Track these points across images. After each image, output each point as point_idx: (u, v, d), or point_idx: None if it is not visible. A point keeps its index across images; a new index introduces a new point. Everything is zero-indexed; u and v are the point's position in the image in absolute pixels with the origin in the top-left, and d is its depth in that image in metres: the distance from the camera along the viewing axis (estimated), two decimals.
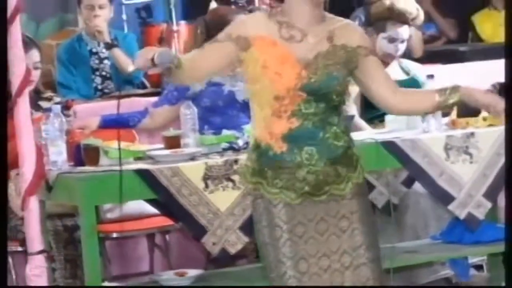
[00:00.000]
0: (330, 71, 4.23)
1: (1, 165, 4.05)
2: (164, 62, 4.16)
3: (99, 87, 7.84)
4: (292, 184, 4.23)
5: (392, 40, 6.90)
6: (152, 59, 4.12)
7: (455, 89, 4.39)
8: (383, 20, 6.88)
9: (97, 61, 7.90)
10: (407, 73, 6.98)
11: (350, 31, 4.37)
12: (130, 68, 4.30)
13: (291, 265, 4.20)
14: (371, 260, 4.27)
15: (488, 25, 9.66)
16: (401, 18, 6.86)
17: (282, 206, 4.22)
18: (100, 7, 7.79)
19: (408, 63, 7.08)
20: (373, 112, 6.70)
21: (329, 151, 4.25)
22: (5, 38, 4.13)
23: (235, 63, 4.29)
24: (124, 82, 7.95)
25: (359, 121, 6.70)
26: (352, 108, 6.73)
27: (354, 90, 6.70)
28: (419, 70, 6.96)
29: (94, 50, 7.95)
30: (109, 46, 7.85)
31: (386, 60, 6.87)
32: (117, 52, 7.82)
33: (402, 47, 6.96)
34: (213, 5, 7.39)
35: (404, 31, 6.89)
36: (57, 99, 6.53)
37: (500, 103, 4.39)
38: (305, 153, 4.22)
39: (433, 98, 4.41)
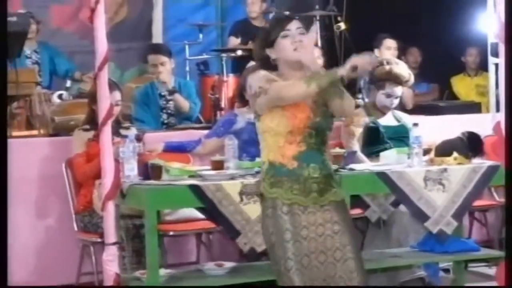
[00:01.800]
0: (323, 112, 4.41)
1: (2, 170, 3.73)
2: None
3: (165, 121, 7.88)
4: (303, 191, 4.34)
5: (388, 96, 6.92)
6: None
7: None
8: (383, 80, 6.88)
9: (164, 102, 7.96)
10: (398, 121, 7.01)
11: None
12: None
13: (296, 260, 4.27)
14: (355, 255, 4.38)
15: (462, 86, 9.70)
16: (397, 80, 6.88)
17: (291, 215, 4.31)
18: (162, 64, 7.86)
19: (399, 113, 7.10)
20: (371, 149, 6.80)
21: (326, 169, 4.43)
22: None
23: None
24: (183, 118, 8.00)
25: (360, 155, 6.73)
26: (355, 145, 6.83)
27: (357, 131, 6.93)
28: (407, 119, 6.97)
29: (162, 93, 7.98)
30: (171, 92, 7.93)
31: (383, 110, 6.99)
32: (177, 96, 7.91)
33: (396, 102, 6.98)
34: (251, 63, 7.48)
35: (398, 90, 6.93)
36: (133, 129, 6.63)
37: (358, 59, 4.29)
38: (310, 169, 4.37)
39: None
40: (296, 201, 4.36)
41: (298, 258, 4.30)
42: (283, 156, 4.38)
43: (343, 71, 4.29)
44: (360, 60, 4.29)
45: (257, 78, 4.42)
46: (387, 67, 6.92)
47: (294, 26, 4.44)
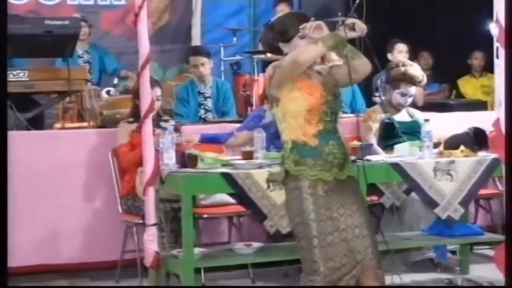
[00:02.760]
0: (334, 92, 4.45)
1: (2, 170, 3.63)
2: None
3: (203, 116, 7.84)
4: (325, 167, 4.33)
5: (403, 94, 6.88)
6: None
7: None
8: (399, 81, 6.84)
9: (202, 99, 7.90)
10: (411, 117, 6.97)
11: (324, 69, 4.53)
12: None
13: (321, 238, 4.26)
14: (369, 232, 4.40)
15: (468, 87, 9.65)
16: (411, 80, 6.83)
17: (315, 197, 4.29)
18: (202, 65, 7.80)
19: (412, 110, 7.05)
20: (386, 143, 6.77)
21: (342, 145, 4.45)
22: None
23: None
24: (219, 113, 7.95)
25: (376, 148, 6.69)
26: (372, 139, 6.81)
27: (374, 126, 6.91)
28: (419, 115, 6.94)
29: (201, 91, 7.93)
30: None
31: (398, 107, 6.94)
32: None
33: (410, 100, 6.94)
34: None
35: (412, 90, 6.89)
36: (172, 122, 6.62)
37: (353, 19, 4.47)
38: (330, 145, 4.36)
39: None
40: (320, 177, 4.34)
41: (323, 236, 4.29)
42: (305, 134, 4.37)
43: (342, 31, 4.37)
44: (356, 20, 4.42)
45: (271, 66, 4.44)
46: (402, 69, 6.87)
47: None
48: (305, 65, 4.34)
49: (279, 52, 4.53)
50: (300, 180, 4.35)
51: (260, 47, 9.37)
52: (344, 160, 4.44)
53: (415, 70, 6.93)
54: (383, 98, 7.20)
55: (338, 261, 4.30)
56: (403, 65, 6.95)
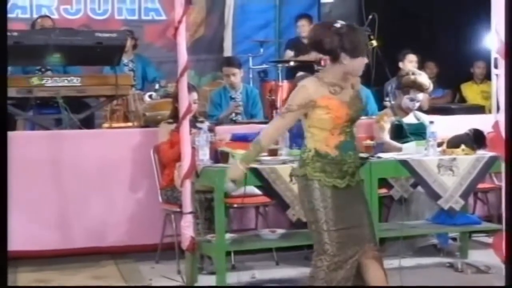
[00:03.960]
0: (359, 106, 4.39)
1: (2, 169, 3.48)
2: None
3: (234, 118, 7.81)
4: (340, 174, 4.32)
5: (412, 100, 6.82)
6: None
7: None
8: (409, 87, 6.79)
9: (233, 103, 7.89)
10: (418, 119, 6.91)
11: (359, 81, 4.47)
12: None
13: (329, 223, 4.28)
14: (370, 222, 4.43)
15: (470, 92, 9.60)
16: (420, 88, 6.79)
17: (331, 190, 4.29)
18: (233, 74, 7.78)
19: (419, 114, 7.00)
20: (396, 142, 6.71)
21: (356, 153, 4.43)
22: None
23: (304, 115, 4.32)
24: (248, 115, 7.91)
25: (391, 143, 6.67)
26: (385, 137, 6.76)
27: (387, 126, 6.87)
28: (425, 118, 6.85)
29: (233, 96, 7.91)
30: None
31: (407, 111, 6.88)
32: None
33: (417, 105, 6.89)
34: (300, 73, 7.43)
35: (420, 96, 6.84)
36: (207, 123, 6.56)
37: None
38: (347, 156, 4.34)
39: None
40: (334, 183, 4.32)
41: (331, 222, 4.29)
42: (328, 145, 4.32)
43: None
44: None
45: (301, 93, 4.34)
46: (412, 77, 6.81)
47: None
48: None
49: (329, 54, 4.33)
50: (313, 182, 4.34)
51: (285, 57, 9.41)
52: (356, 167, 4.43)
53: (424, 78, 6.88)
54: (393, 102, 7.17)
55: (345, 244, 4.31)
56: (413, 73, 6.89)
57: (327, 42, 4.24)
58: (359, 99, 4.41)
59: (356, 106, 4.38)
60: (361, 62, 4.31)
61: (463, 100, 9.60)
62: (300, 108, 4.30)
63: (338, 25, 4.26)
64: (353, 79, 4.42)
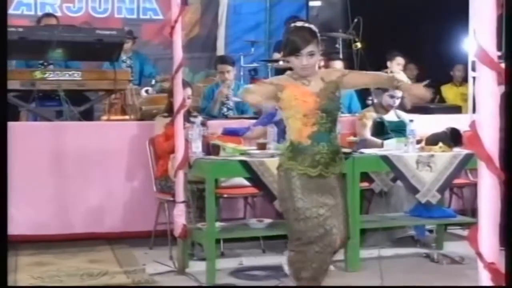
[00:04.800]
0: (330, 97, 4.31)
1: (2, 168, 3.30)
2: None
3: (225, 113, 7.77)
4: (312, 164, 4.27)
5: (392, 97, 6.81)
6: None
7: (400, 82, 4.38)
8: None
9: (225, 99, 7.81)
10: (398, 117, 6.91)
11: (330, 72, 4.46)
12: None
13: (302, 212, 4.22)
14: (343, 212, 4.35)
15: (450, 93, 9.58)
16: None
17: (303, 180, 4.24)
18: (227, 72, 7.73)
19: (399, 112, 6.99)
20: (377, 138, 6.69)
21: (332, 146, 4.32)
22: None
23: (275, 98, 4.26)
24: (238, 111, 7.87)
25: (372, 139, 6.65)
26: (367, 134, 6.75)
27: (369, 123, 6.87)
28: (405, 116, 6.87)
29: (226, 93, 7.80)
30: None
31: (387, 108, 6.87)
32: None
33: (397, 101, 6.86)
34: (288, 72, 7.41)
35: (399, 92, 6.73)
36: (200, 117, 6.47)
37: (427, 93, 4.42)
38: (320, 146, 4.27)
39: (391, 82, 4.43)
40: (306, 172, 4.27)
41: (304, 211, 4.24)
42: (301, 136, 4.28)
43: None
44: None
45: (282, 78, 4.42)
46: (390, 74, 6.78)
47: (306, 50, 4.24)
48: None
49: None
50: (286, 170, 4.31)
51: (274, 57, 9.41)
52: (331, 159, 4.33)
53: (401, 76, 6.83)
54: (375, 101, 7.16)
55: (316, 231, 4.24)
56: (391, 72, 6.91)
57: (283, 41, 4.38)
58: (331, 92, 4.33)
59: (326, 96, 4.30)
60: (297, 61, 4.27)
61: (443, 101, 9.58)
62: (270, 84, 4.33)
63: (291, 25, 4.33)
64: (322, 72, 4.43)
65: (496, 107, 2.79)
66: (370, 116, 6.88)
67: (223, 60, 8.17)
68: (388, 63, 8.71)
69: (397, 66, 8.60)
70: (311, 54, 4.25)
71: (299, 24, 4.33)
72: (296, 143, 4.30)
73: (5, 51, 3.53)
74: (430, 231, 6.72)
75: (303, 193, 4.25)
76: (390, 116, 6.92)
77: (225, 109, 7.87)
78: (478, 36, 2.79)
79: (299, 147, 4.28)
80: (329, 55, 8.44)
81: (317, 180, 4.29)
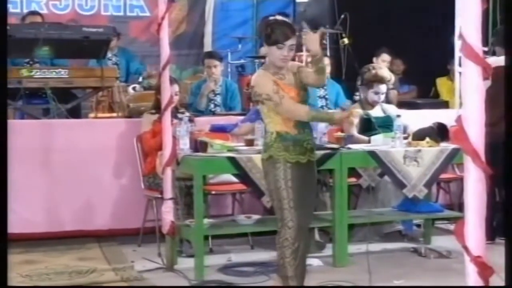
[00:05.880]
0: (304, 88, 4.55)
1: (2, 168, 3.30)
2: None
3: (212, 109, 7.75)
4: (302, 151, 4.48)
5: (376, 93, 6.85)
6: None
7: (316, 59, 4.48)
8: (372, 81, 6.83)
9: (212, 95, 7.80)
10: (384, 112, 6.92)
11: (292, 65, 4.57)
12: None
13: (294, 200, 4.42)
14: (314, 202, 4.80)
15: (444, 87, 9.52)
16: (382, 80, 6.82)
17: (292, 170, 4.43)
18: (215, 66, 7.73)
19: (386, 106, 7.02)
20: (364, 134, 6.69)
21: (311, 132, 4.65)
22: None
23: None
24: (226, 107, 7.87)
25: (359, 136, 6.65)
26: (354, 131, 6.74)
27: (355, 120, 6.88)
28: (392, 111, 6.88)
29: (212, 88, 7.77)
30: None
31: (373, 104, 6.89)
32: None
33: (382, 97, 6.90)
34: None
35: (383, 87, 6.85)
36: (187, 114, 6.57)
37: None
38: (305, 134, 4.52)
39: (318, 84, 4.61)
40: (297, 160, 4.45)
41: (296, 198, 4.41)
42: (287, 126, 4.47)
43: (338, 116, 4.68)
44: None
45: (263, 83, 4.48)
46: (373, 71, 6.86)
47: (289, 42, 4.43)
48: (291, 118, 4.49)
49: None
50: (277, 161, 4.46)
51: (261, 53, 9.40)
52: (313, 144, 4.62)
53: (384, 71, 6.96)
54: (362, 96, 7.17)
55: (303, 219, 4.45)
56: (374, 68, 6.94)
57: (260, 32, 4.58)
58: (301, 82, 4.53)
59: (302, 87, 4.54)
60: (279, 52, 4.42)
61: (437, 94, 9.51)
62: (276, 87, 4.44)
63: (272, 19, 4.49)
64: (287, 64, 4.53)
65: (481, 102, 2.80)
66: (357, 113, 6.89)
67: (210, 55, 8.17)
68: (374, 59, 8.73)
69: (382, 63, 8.63)
70: (291, 49, 4.45)
71: (279, 18, 4.51)
72: (284, 133, 4.46)
73: (5, 52, 3.53)
74: (418, 225, 6.74)
75: (297, 183, 4.42)
76: (376, 112, 6.93)
77: (212, 105, 7.85)
78: (464, 31, 2.80)
79: (287, 137, 4.46)
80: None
81: (306, 167, 4.50)
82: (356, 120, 6.84)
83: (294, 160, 4.44)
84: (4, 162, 3.29)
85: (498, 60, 5.85)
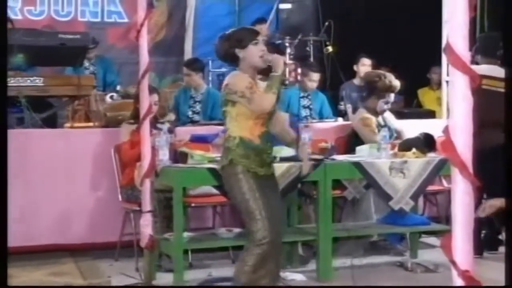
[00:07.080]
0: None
1: (2, 171, 3.39)
2: None
3: (190, 116, 7.78)
4: (260, 163, 4.52)
5: (387, 102, 6.86)
6: None
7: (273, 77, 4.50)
8: (385, 91, 6.81)
9: (192, 102, 7.84)
10: (384, 122, 6.91)
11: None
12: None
13: (257, 212, 4.42)
14: (281, 216, 4.80)
15: (427, 97, 9.56)
16: (394, 90, 6.86)
17: (255, 178, 4.48)
18: (196, 73, 7.79)
19: (386, 115, 6.99)
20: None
21: (272, 146, 4.70)
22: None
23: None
24: (207, 117, 7.86)
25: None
26: (377, 138, 6.69)
27: (375, 128, 6.80)
28: (390, 119, 6.96)
29: (192, 95, 7.87)
30: None
31: (381, 114, 6.89)
32: None
33: (389, 106, 6.95)
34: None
35: (393, 97, 6.91)
36: (166, 123, 6.56)
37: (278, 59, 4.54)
38: (268, 146, 4.59)
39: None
40: (255, 170, 4.49)
41: (259, 211, 4.43)
42: (252, 134, 4.51)
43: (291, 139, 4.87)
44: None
45: (239, 80, 4.52)
46: (387, 82, 6.82)
47: (260, 37, 4.59)
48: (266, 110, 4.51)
49: (233, 58, 4.63)
50: (237, 167, 4.47)
51: None
52: (272, 158, 4.70)
53: (396, 81, 6.91)
54: (348, 105, 7.15)
55: (272, 230, 4.43)
56: (385, 77, 6.87)
57: (221, 51, 4.70)
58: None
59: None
60: (256, 48, 4.52)
61: (420, 105, 9.56)
62: (251, 85, 4.51)
63: (224, 34, 4.65)
64: (265, 62, 4.57)
65: (469, 111, 2.81)
66: (372, 121, 6.84)
67: (192, 62, 8.20)
68: (355, 67, 8.73)
69: (362, 68, 8.62)
70: (263, 43, 4.59)
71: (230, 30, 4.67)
72: (247, 141, 4.51)
73: (5, 53, 3.57)
74: (403, 237, 6.75)
75: (253, 192, 4.45)
76: (379, 121, 6.95)
77: (190, 112, 7.86)
78: (451, 39, 2.81)
79: (251, 145, 4.52)
80: (303, 61, 8.33)
81: (264, 180, 4.53)
82: (375, 128, 6.76)
83: (253, 171, 4.47)
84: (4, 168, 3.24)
85: (480, 70, 5.86)
